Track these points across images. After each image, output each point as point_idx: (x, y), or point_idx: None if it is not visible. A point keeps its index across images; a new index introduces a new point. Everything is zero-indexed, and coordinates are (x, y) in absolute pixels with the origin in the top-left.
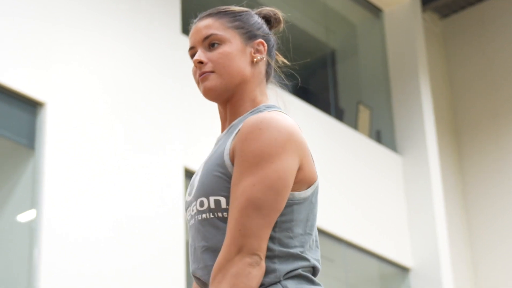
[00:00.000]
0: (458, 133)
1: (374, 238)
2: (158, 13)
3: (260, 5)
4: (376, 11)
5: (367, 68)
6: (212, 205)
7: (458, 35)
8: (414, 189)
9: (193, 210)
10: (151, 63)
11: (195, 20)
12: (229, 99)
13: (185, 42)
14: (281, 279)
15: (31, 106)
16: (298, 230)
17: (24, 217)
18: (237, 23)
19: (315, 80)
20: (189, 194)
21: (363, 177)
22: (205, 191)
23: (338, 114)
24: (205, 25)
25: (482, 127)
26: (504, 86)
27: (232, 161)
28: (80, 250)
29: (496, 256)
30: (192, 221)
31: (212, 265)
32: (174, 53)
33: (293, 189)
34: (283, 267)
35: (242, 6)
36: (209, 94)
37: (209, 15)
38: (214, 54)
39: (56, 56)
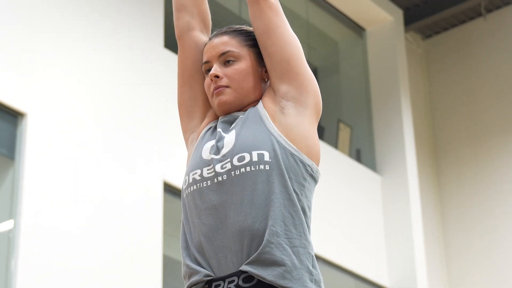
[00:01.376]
0: (437, 154)
1: (351, 256)
2: (142, 26)
3: (243, 21)
4: (359, 30)
5: (348, 86)
6: (255, 158)
7: (440, 56)
8: (392, 209)
9: (223, 167)
10: (133, 76)
11: (210, 36)
12: (240, 109)
13: (168, 56)
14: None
15: (12, 116)
16: (310, 212)
17: (2, 227)
18: (251, 42)
19: None
20: (215, 153)
21: (342, 195)
22: (249, 147)
23: (318, 132)
24: (221, 41)
25: (461, 150)
26: (484, 109)
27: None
28: (58, 261)
29: (472, 277)
30: (220, 178)
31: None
32: (157, 66)
33: (314, 159)
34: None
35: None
36: (223, 107)
37: (225, 33)
38: (230, 69)
39: (38, 67)
